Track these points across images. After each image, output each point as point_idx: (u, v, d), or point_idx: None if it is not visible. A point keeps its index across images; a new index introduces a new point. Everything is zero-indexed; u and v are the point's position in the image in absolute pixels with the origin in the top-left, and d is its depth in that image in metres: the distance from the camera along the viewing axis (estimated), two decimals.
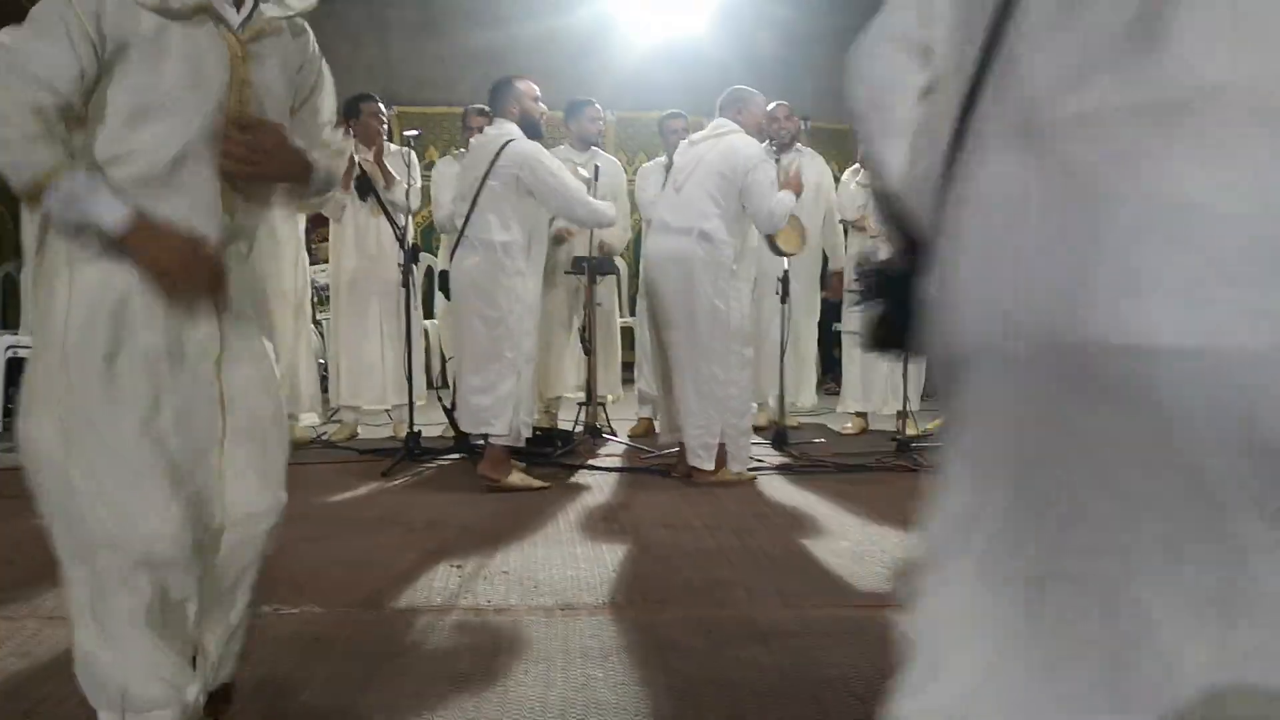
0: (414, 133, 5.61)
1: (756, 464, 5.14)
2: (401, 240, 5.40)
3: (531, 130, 4.79)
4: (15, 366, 5.90)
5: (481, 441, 4.94)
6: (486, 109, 5.78)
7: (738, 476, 4.86)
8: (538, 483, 4.76)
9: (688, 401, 4.80)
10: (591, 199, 4.91)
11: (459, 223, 4.81)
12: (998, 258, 0.97)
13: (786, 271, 5.57)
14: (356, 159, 5.62)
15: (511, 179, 4.65)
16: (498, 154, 4.67)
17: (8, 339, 6.13)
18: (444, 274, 5.06)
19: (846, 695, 2.44)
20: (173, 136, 1.80)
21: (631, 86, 8.18)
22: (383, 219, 5.66)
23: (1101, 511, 0.95)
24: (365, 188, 5.65)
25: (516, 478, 4.72)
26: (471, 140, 5.12)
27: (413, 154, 5.73)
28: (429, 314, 6.83)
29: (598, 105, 6.06)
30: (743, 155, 4.78)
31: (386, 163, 5.77)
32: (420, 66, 8.38)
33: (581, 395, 5.94)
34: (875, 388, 6.25)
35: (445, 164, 5.93)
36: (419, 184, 5.74)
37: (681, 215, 4.79)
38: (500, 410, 4.65)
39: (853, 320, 6.24)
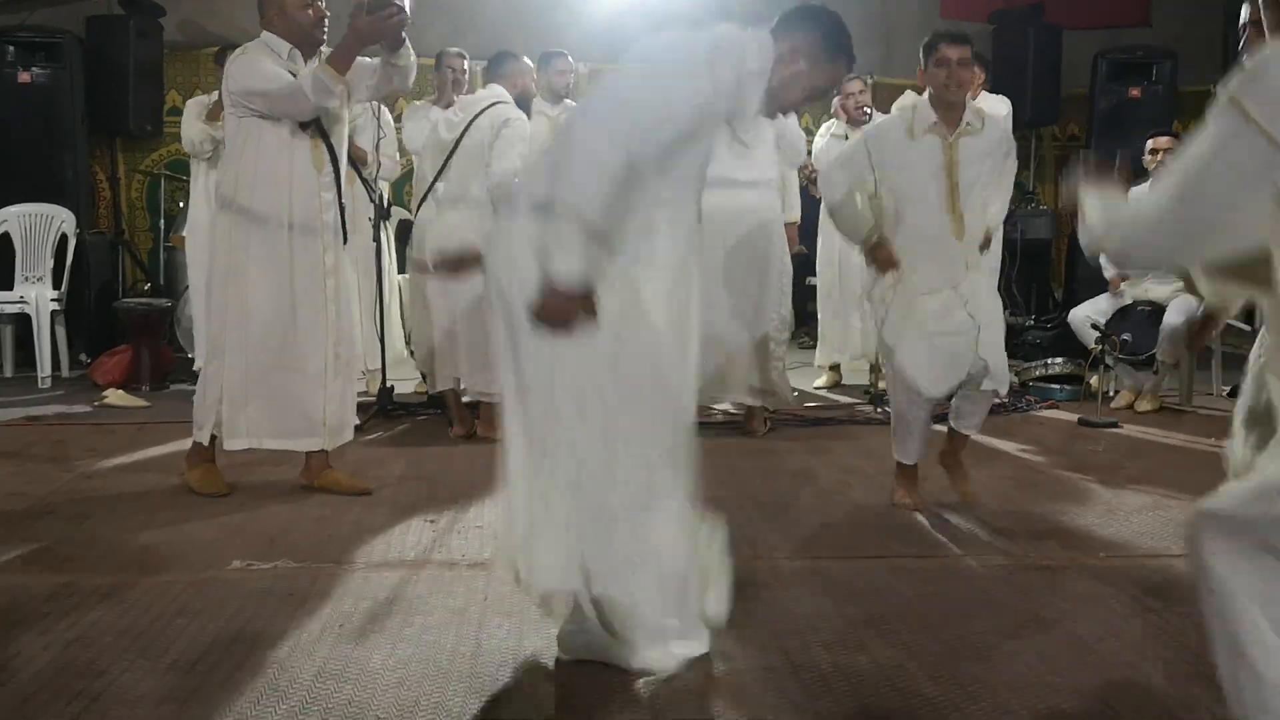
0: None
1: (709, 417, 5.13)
2: (372, 195, 5.34)
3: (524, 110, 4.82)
4: None
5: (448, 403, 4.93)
6: (464, 53, 5.71)
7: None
8: None
9: (761, 347, 4.83)
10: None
11: (428, 173, 4.79)
12: None
13: None
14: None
15: (489, 134, 4.64)
16: (483, 111, 4.68)
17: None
18: (404, 224, 5.02)
19: (814, 645, 2.47)
20: None
21: (603, 38, 8.04)
22: (357, 183, 5.60)
23: None
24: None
25: None
26: (458, 98, 5.09)
27: (384, 108, 5.63)
28: (403, 268, 6.76)
29: (569, 57, 5.99)
30: None
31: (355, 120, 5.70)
32: None
33: None
34: (849, 341, 6.26)
35: (419, 106, 5.85)
36: (393, 136, 5.66)
37: (752, 169, 4.76)
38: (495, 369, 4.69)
39: (827, 273, 6.25)
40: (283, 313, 3.65)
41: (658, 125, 2.14)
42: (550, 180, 2.14)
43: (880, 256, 3.61)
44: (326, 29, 3.71)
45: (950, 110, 3.51)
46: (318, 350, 3.68)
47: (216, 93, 5.44)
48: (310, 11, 3.64)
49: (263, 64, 3.59)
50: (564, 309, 2.13)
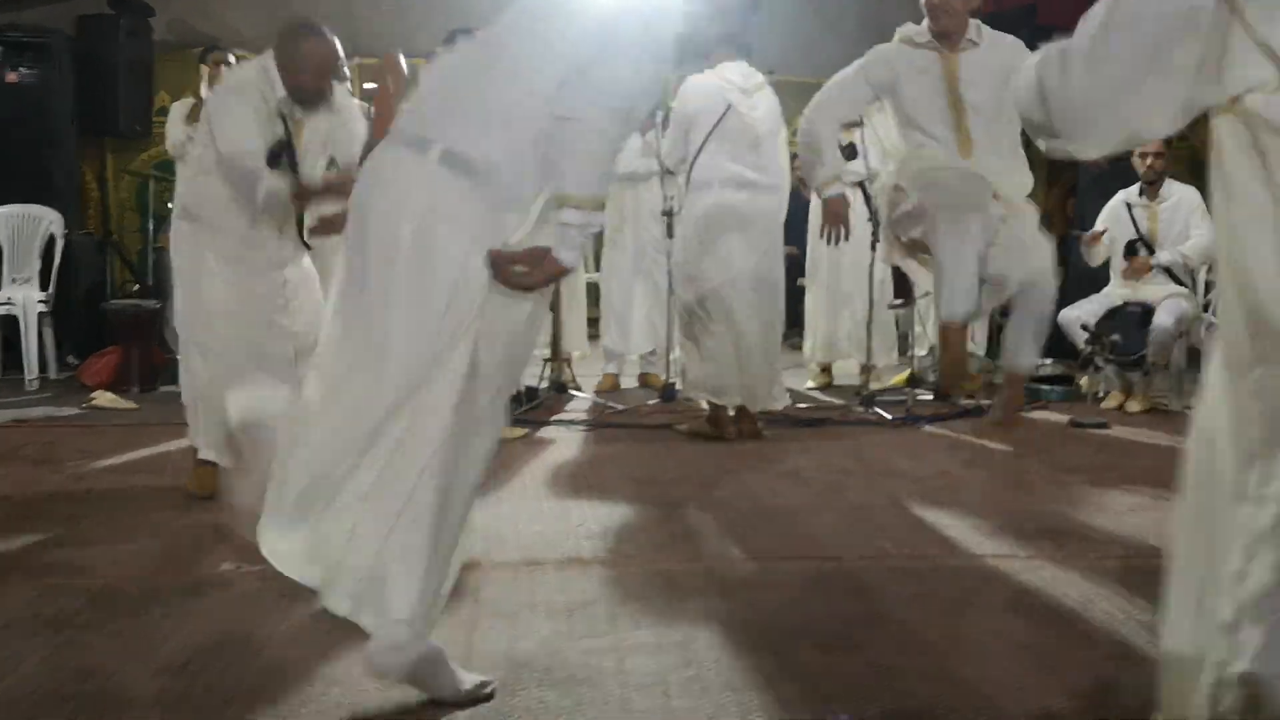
0: (373, 86, 5.52)
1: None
2: None
3: None
4: None
5: None
6: None
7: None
8: (520, 431, 4.86)
9: (769, 350, 4.84)
10: None
11: None
12: None
13: None
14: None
15: None
16: None
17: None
18: None
19: (807, 645, 2.47)
20: None
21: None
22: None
23: None
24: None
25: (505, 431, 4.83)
26: None
27: (374, 108, 5.62)
28: None
29: None
30: (778, 109, 4.89)
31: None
32: (380, 16, 8.23)
33: (546, 351, 5.93)
34: (839, 341, 6.28)
35: None
36: None
37: (766, 172, 4.75)
38: None
39: (818, 273, 6.26)
40: (243, 324, 3.55)
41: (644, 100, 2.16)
42: (550, 173, 2.05)
43: (832, 208, 3.59)
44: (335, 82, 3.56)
45: (945, 36, 3.44)
46: (281, 357, 3.59)
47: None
48: (315, 83, 3.45)
49: (243, 115, 3.39)
50: (548, 278, 2.09)
